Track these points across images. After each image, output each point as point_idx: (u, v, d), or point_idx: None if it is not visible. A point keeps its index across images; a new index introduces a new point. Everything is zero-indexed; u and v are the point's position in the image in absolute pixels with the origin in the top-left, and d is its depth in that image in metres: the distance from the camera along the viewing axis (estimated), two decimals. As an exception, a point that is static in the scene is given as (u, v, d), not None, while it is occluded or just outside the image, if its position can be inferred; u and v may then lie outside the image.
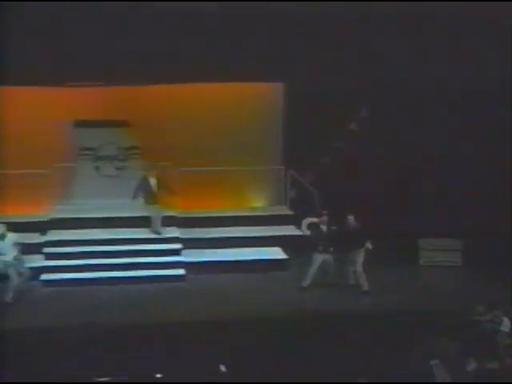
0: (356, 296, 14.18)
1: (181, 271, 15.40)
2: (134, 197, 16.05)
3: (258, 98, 17.91)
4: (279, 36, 14.96)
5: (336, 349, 11.57)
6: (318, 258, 14.37)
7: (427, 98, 16.28)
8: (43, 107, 16.95)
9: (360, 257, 14.26)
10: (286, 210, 17.65)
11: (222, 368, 11.27)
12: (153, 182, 16.03)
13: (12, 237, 14.16)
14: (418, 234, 16.13)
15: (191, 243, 16.16)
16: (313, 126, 16.38)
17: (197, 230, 16.65)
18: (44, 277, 14.80)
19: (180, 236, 16.24)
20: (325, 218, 14.45)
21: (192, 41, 14.92)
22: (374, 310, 13.58)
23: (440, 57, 15.21)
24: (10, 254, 14.04)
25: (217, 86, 16.98)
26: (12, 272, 13.99)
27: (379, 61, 15.26)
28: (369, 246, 14.26)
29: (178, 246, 15.98)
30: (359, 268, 14.25)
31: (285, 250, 16.08)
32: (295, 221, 16.65)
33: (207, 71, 15.55)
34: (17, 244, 14.18)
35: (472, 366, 10.75)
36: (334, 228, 14.37)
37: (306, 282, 14.48)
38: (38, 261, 15.01)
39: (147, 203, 16.02)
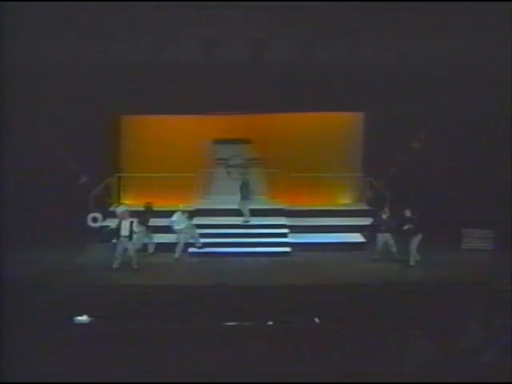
0: (414, 269, 16.76)
1: (287, 249, 18.07)
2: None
3: (345, 124, 21.03)
4: (362, 83, 18.13)
5: (396, 304, 13.98)
6: (381, 239, 17.55)
7: (473, 124, 18.65)
8: (193, 130, 20.57)
9: (414, 240, 17.09)
10: (364, 206, 20.28)
11: (316, 320, 13.71)
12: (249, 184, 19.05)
13: (186, 215, 17.78)
14: (461, 226, 18.51)
15: (295, 229, 18.87)
16: (384, 145, 19.04)
17: (299, 219, 19.27)
18: (190, 250, 17.96)
19: (287, 223, 18.98)
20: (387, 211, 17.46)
21: (301, 85, 18.31)
22: (425, 280, 16.05)
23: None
24: (183, 225, 17.67)
25: (317, 114, 20.11)
26: (182, 238, 17.58)
27: (434, 99, 18.14)
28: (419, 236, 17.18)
29: (285, 230, 18.73)
30: (412, 248, 17.09)
31: (363, 235, 18.84)
32: (372, 214, 18.73)
33: (310, 104, 18.72)
34: (187, 219, 17.67)
35: (496, 322, 12.16)
36: (394, 218, 17.30)
37: (375, 255, 17.59)
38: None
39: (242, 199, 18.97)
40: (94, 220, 19.32)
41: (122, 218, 17.04)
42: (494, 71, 17.28)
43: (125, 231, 16.84)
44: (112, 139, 20.61)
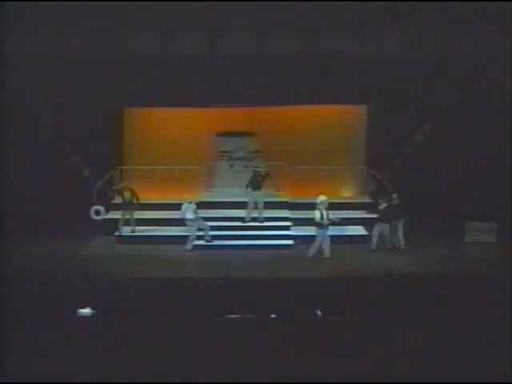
0: (414, 263, 16.86)
1: (290, 242, 18.17)
2: (246, 187, 18.86)
3: (348, 117, 21.05)
4: (366, 76, 18.29)
5: (395, 297, 14.17)
6: (378, 229, 17.88)
7: (475, 116, 18.84)
8: (197, 123, 20.60)
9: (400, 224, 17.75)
10: (367, 199, 20.15)
11: (319, 312, 13.70)
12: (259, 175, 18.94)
13: (193, 205, 17.93)
14: (464, 219, 18.59)
15: (298, 221, 18.81)
16: (388, 137, 19.22)
17: (302, 212, 18.97)
18: (195, 243, 17.96)
19: (290, 216, 19.00)
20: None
21: (304, 78, 18.35)
22: (426, 274, 15.97)
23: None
24: (192, 215, 17.80)
25: (320, 107, 20.14)
26: (192, 229, 17.84)
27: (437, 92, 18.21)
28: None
29: (288, 223, 18.77)
30: (400, 233, 17.75)
31: (365, 228, 18.83)
32: (374, 207, 18.62)
33: (314, 97, 18.72)
34: (196, 210, 17.79)
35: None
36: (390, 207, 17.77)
37: (373, 246, 17.91)
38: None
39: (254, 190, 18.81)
40: (97, 213, 19.35)
41: (321, 208, 17.32)
42: (501, 63, 17.35)
43: (325, 220, 17.21)
44: (115, 132, 20.65)
